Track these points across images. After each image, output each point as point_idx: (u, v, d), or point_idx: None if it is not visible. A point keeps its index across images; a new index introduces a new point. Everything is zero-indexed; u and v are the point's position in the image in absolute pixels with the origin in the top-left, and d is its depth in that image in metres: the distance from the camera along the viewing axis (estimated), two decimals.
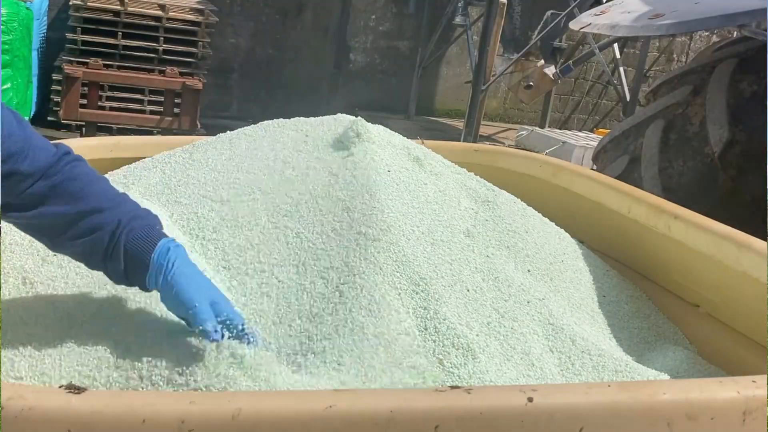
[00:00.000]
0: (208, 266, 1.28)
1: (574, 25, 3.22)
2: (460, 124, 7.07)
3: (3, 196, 1.02)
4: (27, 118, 1.06)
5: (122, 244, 1.04)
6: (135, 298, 1.16)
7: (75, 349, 1.04)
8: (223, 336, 1.01)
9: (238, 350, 0.97)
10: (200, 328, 1.00)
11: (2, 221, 1.18)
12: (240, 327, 1.03)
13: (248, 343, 1.02)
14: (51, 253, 1.22)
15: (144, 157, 1.67)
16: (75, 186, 1.05)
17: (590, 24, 2.98)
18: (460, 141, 5.94)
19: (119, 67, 5.72)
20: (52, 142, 1.10)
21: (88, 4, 5.63)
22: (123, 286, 1.12)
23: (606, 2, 3.71)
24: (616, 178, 2.10)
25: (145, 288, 1.06)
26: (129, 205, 1.10)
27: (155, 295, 1.08)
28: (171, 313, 1.06)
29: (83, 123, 5.58)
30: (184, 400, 0.79)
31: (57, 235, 1.06)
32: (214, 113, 7.09)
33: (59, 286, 1.20)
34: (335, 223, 1.33)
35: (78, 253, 1.08)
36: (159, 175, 1.56)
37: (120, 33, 5.73)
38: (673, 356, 1.41)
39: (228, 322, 1.03)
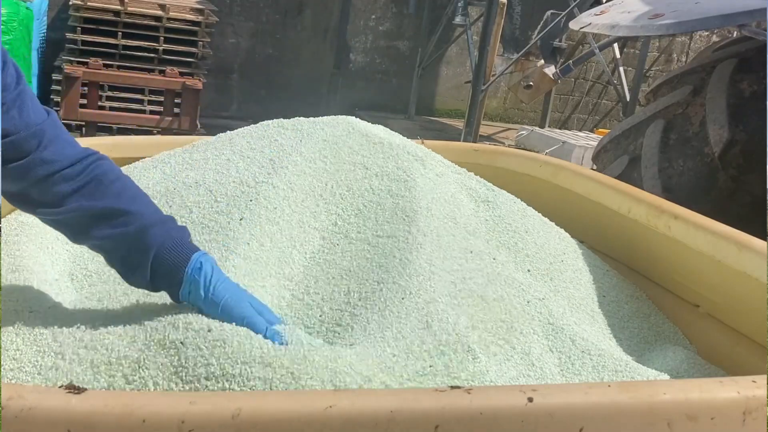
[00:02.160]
0: None
1: (574, 24, 3.22)
2: (460, 124, 7.07)
3: (35, 194, 1.03)
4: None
5: (151, 253, 1.04)
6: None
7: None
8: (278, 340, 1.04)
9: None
10: (264, 332, 1.03)
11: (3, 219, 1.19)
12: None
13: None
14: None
15: (144, 157, 1.67)
16: (103, 183, 1.06)
17: (590, 24, 2.98)
18: (460, 141, 5.94)
19: (119, 67, 5.72)
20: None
21: (88, 4, 5.63)
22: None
23: (606, 2, 3.71)
24: (616, 178, 2.10)
25: (175, 298, 1.07)
26: (153, 207, 1.10)
27: None
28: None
29: (83, 123, 5.58)
30: (184, 400, 0.79)
31: (81, 230, 1.07)
32: (214, 113, 7.09)
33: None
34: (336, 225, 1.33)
35: (98, 246, 1.08)
36: (159, 175, 1.56)
37: (120, 33, 5.73)
38: (673, 356, 1.41)
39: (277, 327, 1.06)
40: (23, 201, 1.07)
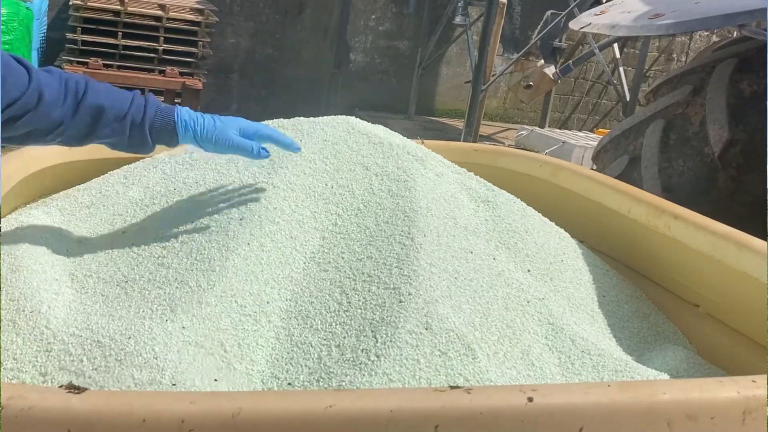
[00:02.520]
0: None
1: (574, 24, 3.22)
2: (460, 124, 7.07)
3: (42, 127, 1.19)
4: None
5: (146, 128, 1.26)
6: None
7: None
8: (267, 152, 1.34)
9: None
10: (252, 153, 1.32)
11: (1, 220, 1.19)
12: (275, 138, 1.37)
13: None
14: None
15: (144, 157, 1.67)
16: (84, 94, 1.23)
17: (590, 24, 2.98)
18: (460, 141, 5.94)
19: (119, 67, 5.73)
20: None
21: (88, 4, 5.63)
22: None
23: (606, 2, 3.71)
24: (616, 178, 2.10)
25: (174, 145, 1.32)
26: (123, 93, 1.28)
27: None
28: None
29: None
30: (184, 400, 0.79)
31: (85, 135, 1.25)
32: (214, 113, 7.09)
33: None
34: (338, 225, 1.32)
35: (104, 141, 1.28)
36: (159, 175, 1.56)
37: (120, 33, 5.73)
38: (673, 356, 1.41)
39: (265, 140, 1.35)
40: (29, 138, 1.22)
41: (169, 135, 1.29)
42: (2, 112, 1.12)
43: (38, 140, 1.24)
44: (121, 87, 1.33)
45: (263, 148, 1.34)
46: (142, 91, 1.36)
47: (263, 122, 1.49)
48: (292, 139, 1.42)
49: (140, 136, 1.27)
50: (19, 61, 1.17)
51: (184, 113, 1.30)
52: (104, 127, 1.24)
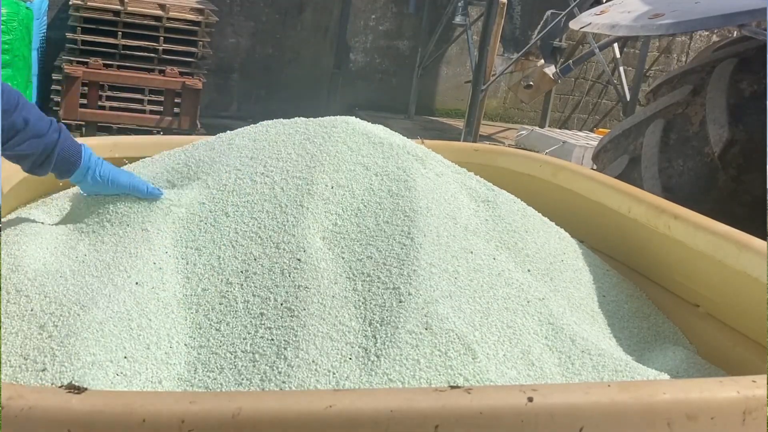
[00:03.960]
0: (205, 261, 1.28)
1: (574, 24, 3.22)
2: (460, 123, 7.07)
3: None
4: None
5: (54, 156, 1.36)
6: None
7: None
8: (159, 190, 1.44)
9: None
10: (145, 191, 1.42)
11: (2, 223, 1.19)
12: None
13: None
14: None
15: (144, 157, 1.67)
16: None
17: (590, 24, 2.98)
18: (460, 141, 5.94)
19: (119, 67, 5.72)
20: None
21: (88, 4, 5.62)
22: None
23: (606, 2, 3.71)
24: (616, 178, 2.10)
25: (63, 178, 1.42)
26: (44, 121, 1.36)
27: None
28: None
29: (83, 123, 5.58)
30: (184, 400, 0.79)
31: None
32: (214, 113, 7.09)
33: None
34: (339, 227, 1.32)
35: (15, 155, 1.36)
36: (159, 169, 1.56)
37: (120, 33, 5.72)
38: (673, 356, 1.41)
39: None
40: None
41: (68, 166, 1.39)
42: None
43: None
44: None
45: (155, 188, 1.44)
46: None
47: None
48: (152, 189, 1.45)
49: (45, 159, 1.35)
50: None
51: (88, 153, 1.42)
52: (23, 142, 1.31)
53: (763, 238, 1.44)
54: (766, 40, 2.51)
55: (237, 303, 1.22)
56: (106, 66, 5.64)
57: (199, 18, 5.93)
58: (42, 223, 1.42)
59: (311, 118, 1.68)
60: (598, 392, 0.90)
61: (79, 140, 1.47)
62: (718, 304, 1.50)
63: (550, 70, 5.92)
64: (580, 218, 1.80)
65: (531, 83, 5.97)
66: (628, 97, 6.43)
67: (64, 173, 1.40)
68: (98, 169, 1.42)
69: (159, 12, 5.80)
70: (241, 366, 1.11)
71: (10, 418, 0.75)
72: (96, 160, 1.43)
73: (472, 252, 1.40)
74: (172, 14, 5.82)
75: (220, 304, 1.22)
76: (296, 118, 1.69)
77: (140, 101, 5.89)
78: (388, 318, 1.16)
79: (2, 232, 1.35)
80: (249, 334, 1.16)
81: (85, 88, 5.48)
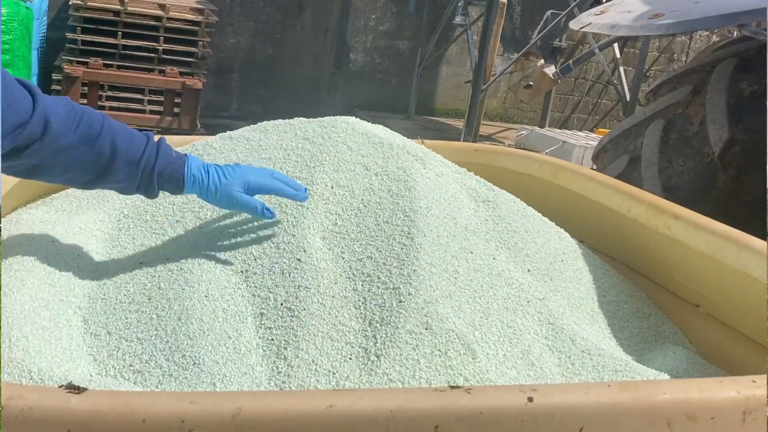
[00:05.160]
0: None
1: (574, 24, 3.22)
2: (460, 123, 7.07)
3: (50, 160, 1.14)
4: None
5: (155, 175, 1.23)
6: None
7: None
8: (271, 212, 1.33)
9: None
10: (257, 212, 1.30)
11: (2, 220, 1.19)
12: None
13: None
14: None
15: None
16: (92, 130, 1.17)
17: (590, 24, 2.98)
18: (460, 141, 5.94)
19: (119, 67, 5.73)
20: None
21: (88, 4, 5.63)
22: None
23: (606, 2, 3.71)
24: (616, 178, 2.10)
25: (178, 193, 1.28)
26: (134, 134, 1.24)
27: None
28: None
29: None
30: (185, 400, 0.79)
31: (94, 178, 1.21)
32: (214, 113, 7.10)
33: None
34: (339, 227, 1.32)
35: (112, 186, 1.25)
36: None
37: (120, 33, 5.73)
38: (673, 356, 1.41)
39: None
40: (37, 172, 1.16)
41: (175, 185, 1.26)
42: (3, 138, 1.04)
43: (46, 175, 1.17)
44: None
45: (267, 209, 1.31)
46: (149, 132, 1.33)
47: (270, 169, 1.41)
48: (299, 188, 1.37)
49: (148, 182, 1.23)
50: (23, 85, 1.10)
51: (194, 167, 1.27)
52: (118, 171, 1.19)
53: (763, 238, 1.44)
54: (766, 40, 2.51)
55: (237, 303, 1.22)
56: (106, 66, 5.65)
57: (199, 18, 5.93)
58: (42, 223, 1.42)
59: (311, 118, 1.68)
60: (598, 392, 0.90)
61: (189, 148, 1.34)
62: (718, 304, 1.50)
63: (550, 70, 5.92)
64: (580, 218, 1.80)
65: (531, 83, 5.97)
66: (628, 97, 6.43)
67: (173, 191, 1.27)
68: (208, 184, 1.26)
69: (159, 12, 5.80)
70: None
71: (10, 418, 0.75)
72: (203, 174, 1.27)
73: (472, 252, 1.40)
74: (172, 14, 5.82)
75: None
76: (296, 118, 1.69)
77: (140, 101, 5.89)
78: (388, 318, 1.16)
79: (2, 232, 1.35)
80: (249, 333, 1.16)
81: (85, 88, 5.48)
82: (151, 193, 1.25)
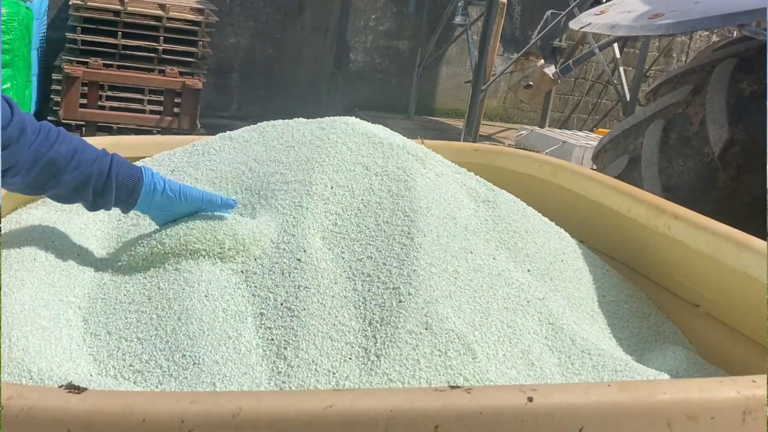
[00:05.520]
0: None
1: (574, 24, 3.22)
2: (460, 123, 7.07)
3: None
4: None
5: (112, 182, 1.27)
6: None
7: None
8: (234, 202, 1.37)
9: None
10: (220, 202, 1.34)
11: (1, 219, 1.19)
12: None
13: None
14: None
15: (144, 157, 1.67)
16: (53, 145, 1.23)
17: (590, 24, 2.98)
18: (460, 141, 5.94)
19: (119, 67, 5.72)
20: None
21: (88, 3, 5.62)
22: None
23: (606, 2, 3.71)
24: (616, 177, 2.10)
25: (128, 210, 1.32)
26: (90, 148, 1.28)
27: None
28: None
29: (83, 123, 5.58)
30: (185, 400, 0.79)
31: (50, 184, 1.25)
32: (214, 113, 7.10)
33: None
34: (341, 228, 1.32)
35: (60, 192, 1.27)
36: (164, 172, 1.56)
37: (120, 33, 5.72)
38: (673, 356, 1.41)
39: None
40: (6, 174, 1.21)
41: (133, 185, 1.29)
42: None
43: (6, 179, 1.22)
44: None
45: (228, 198, 1.37)
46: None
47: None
48: (226, 199, 1.38)
49: (105, 186, 1.26)
50: (3, 98, 1.18)
51: (150, 169, 1.33)
52: (74, 170, 1.23)
53: (763, 238, 1.44)
54: (766, 40, 2.51)
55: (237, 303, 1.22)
56: (106, 66, 5.64)
57: (199, 18, 5.93)
58: (42, 223, 1.42)
59: (311, 119, 1.68)
60: (598, 392, 0.90)
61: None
62: (718, 304, 1.50)
63: (550, 70, 5.92)
64: (580, 218, 1.80)
65: (531, 83, 5.98)
66: (628, 97, 6.43)
67: (129, 197, 1.29)
68: (167, 184, 1.32)
69: (159, 12, 5.80)
70: None
71: (10, 418, 0.74)
72: (160, 177, 1.33)
73: (472, 252, 1.40)
74: (172, 14, 5.82)
75: None
76: (296, 119, 1.69)
77: (140, 101, 5.89)
78: (388, 318, 1.16)
79: (2, 232, 1.35)
80: (249, 333, 1.16)
81: (85, 88, 5.48)
82: (106, 199, 1.27)
